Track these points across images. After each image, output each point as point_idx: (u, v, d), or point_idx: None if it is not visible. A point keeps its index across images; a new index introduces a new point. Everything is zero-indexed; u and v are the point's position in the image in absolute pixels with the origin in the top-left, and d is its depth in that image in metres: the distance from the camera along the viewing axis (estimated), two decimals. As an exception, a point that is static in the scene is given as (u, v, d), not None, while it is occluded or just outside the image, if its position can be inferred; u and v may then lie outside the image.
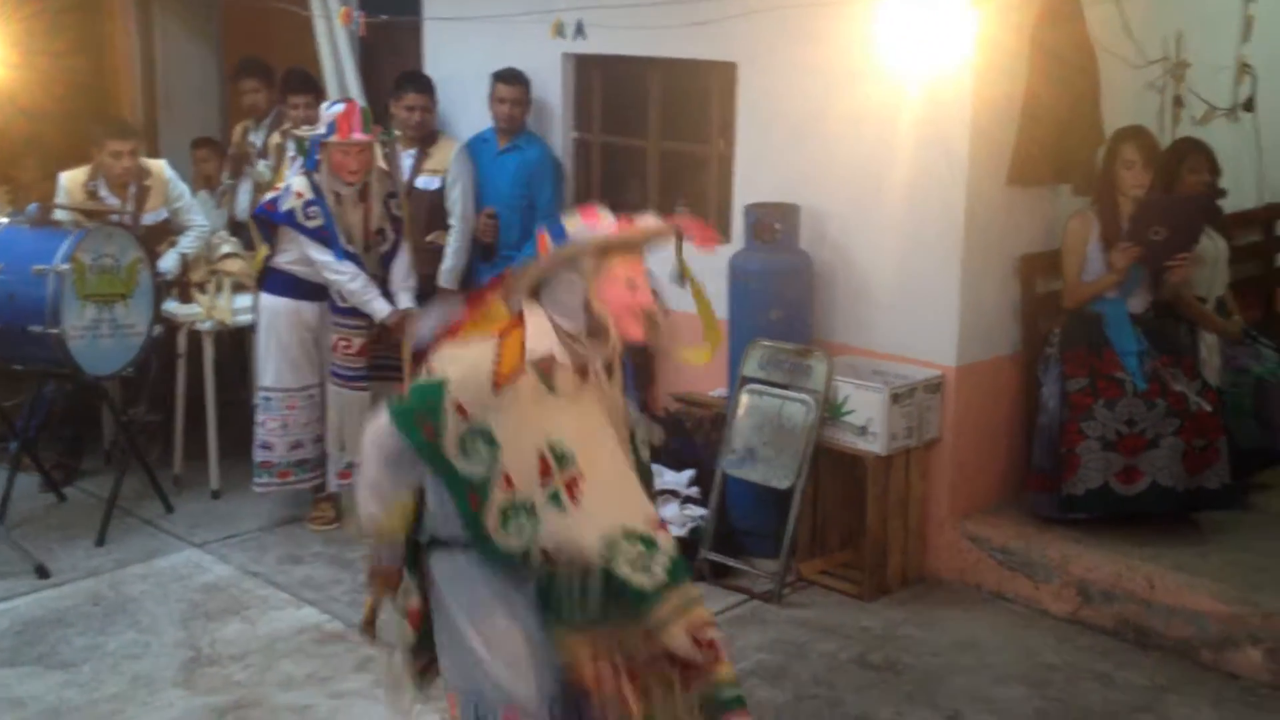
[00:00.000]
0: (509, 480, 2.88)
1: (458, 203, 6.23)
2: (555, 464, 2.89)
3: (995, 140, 5.13)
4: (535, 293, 2.96)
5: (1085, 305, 5.24)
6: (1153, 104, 5.96)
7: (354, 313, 5.54)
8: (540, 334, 2.92)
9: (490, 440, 2.87)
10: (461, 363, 2.91)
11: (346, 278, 5.47)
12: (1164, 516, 5.14)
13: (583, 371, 2.95)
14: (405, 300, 5.63)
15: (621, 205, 6.44)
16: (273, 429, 5.68)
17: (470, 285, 6.44)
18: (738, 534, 5.46)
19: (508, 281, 2.99)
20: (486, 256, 6.38)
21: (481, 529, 2.89)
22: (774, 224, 5.37)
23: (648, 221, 2.99)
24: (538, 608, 2.92)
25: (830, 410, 5.18)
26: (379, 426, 2.96)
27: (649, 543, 2.94)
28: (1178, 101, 6.10)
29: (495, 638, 2.97)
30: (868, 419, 5.09)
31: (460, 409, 2.86)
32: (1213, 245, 5.67)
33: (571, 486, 2.90)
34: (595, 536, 2.88)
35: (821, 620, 5.00)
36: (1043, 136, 5.22)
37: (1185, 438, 5.05)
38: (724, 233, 5.84)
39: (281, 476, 5.73)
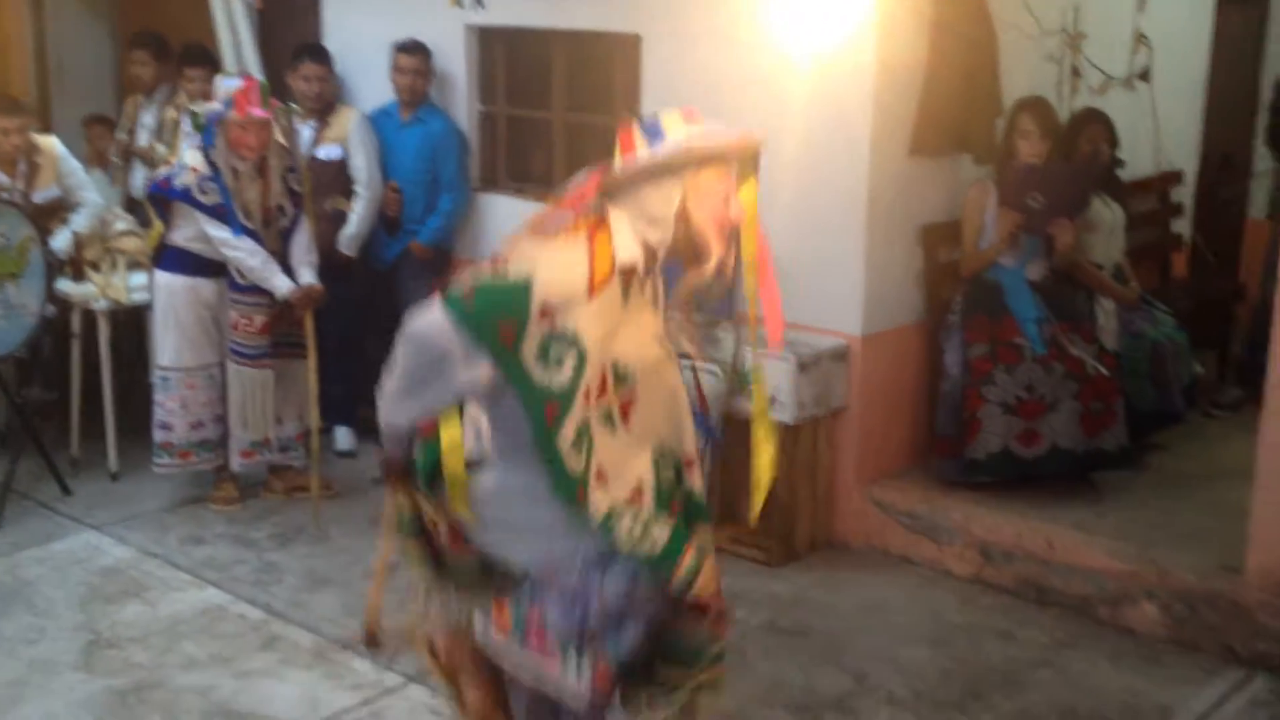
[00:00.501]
0: (588, 394, 2.69)
1: (363, 170, 6.17)
2: (614, 382, 2.75)
3: (896, 111, 5.18)
4: (616, 196, 2.76)
5: (983, 273, 5.33)
6: (1051, 75, 6.05)
7: (254, 290, 5.45)
8: (626, 240, 2.73)
9: (578, 348, 2.66)
10: (550, 263, 2.68)
11: (245, 254, 5.38)
12: (1063, 478, 5.25)
13: (641, 284, 2.80)
14: (307, 276, 5.55)
15: (527, 178, 6.49)
16: (172, 409, 5.57)
17: (374, 259, 6.38)
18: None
19: (601, 179, 2.76)
20: (390, 230, 6.32)
21: (554, 446, 2.67)
22: (679, 195, 5.37)
23: (740, 134, 2.82)
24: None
25: (739, 380, 5.21)
26: (433, 324, 2.66)
27: (679, 470, 2.93)
28: (1075, 72, 6.20)
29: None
30: (775, 389, 5.13)
31: (546, 312, 2.63)
32: (1110, 213, 5.78)
33: (626, 408, 2.77)
34: (642, 460, 2.79)
35: (731, 587, 4.97)
36: (943, 107, 5.27)
37: (1083, 401, 5.15)
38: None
39: (183, 457, 5.62)
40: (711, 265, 2.75)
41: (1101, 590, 4.74)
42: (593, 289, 2.67)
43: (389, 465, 2.99)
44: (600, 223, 2.73)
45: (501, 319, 2.63)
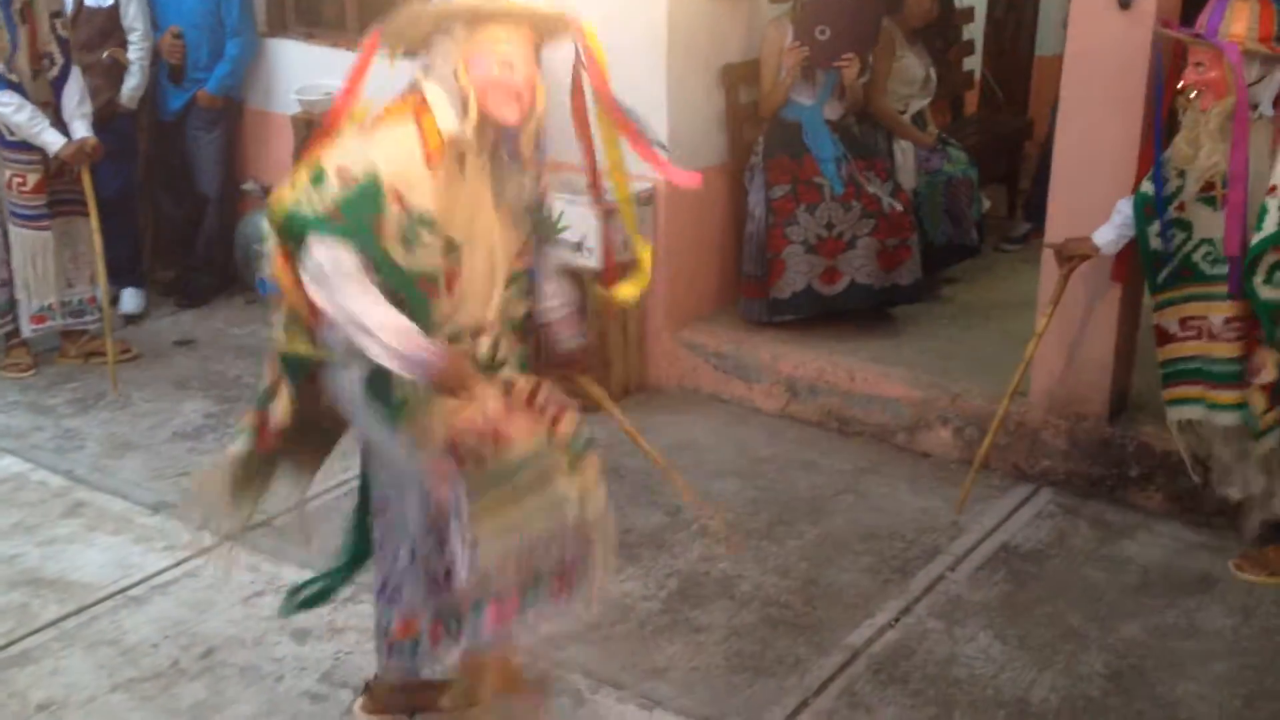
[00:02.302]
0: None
1: (137, 19, 5.84)
2: (445, 243, 2.77)
3: (695, -52, 5.14)
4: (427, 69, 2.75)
5: (783, 114, 5.39)
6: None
7: (25, 146, 5.18)
8: (445, 112, 2.73)
9: (432, 224, 2.71)
10: (385, 149, 2.69)
11: (11, 109, 5.09)
12: (863, 313, 5.44)
13: (494, 152, 2.81)
14: (81, 129, 5.26)
15: (317, 22, 6.24)
16: None
17: (158, 110, 6.10)
18: None
19: (377, 34, 2.76)
20: (175, 78, 6.03)
21: (429, 316, 2.76)
22: (479, 38, 5.25)
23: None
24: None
25: (546, 229, 5.18)
26: (325, 255, 2.65)
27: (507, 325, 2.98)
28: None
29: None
30: (582, 235, 5.13)
31: (396, 198, 2.67)
32: (921, 68, 5.91)
33: (451, 278, 2.80)
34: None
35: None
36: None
37: (879, 237, 5.31)
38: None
39: None
40: (470, 122, 2.73)
41: (899, 417, 4.96)
42: (430, 162, 2.71)
43: (440, 374, 2.81)
44: (420, 100, 2.74)
45: (370, 216, 2.66)
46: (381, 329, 2.69)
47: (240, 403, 5.08)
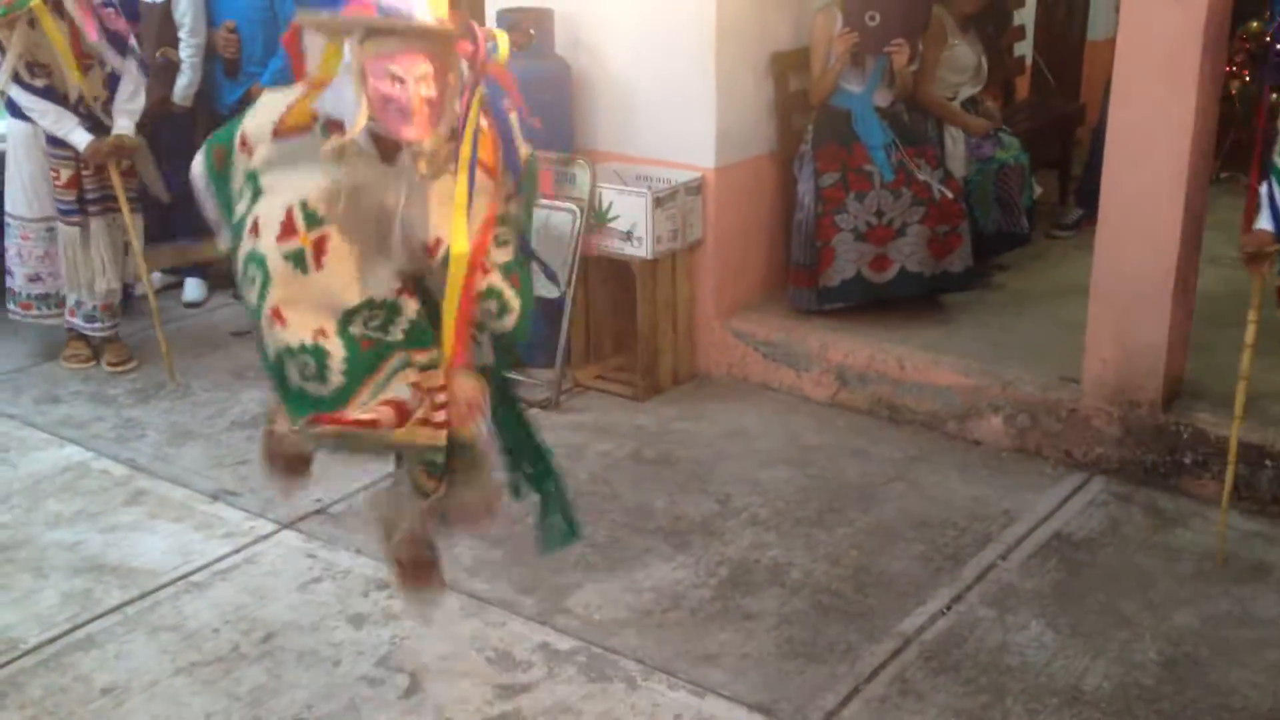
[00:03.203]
0: (255, 228, 2.83)
1: (186, 14, 5.90)
2: (303, 223, 2.80)
3: (744, -63, 5.14)
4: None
5: (833, 101, 5.39)
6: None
7: (60, 142, 5.25)
8: (343, 97, 2.78)
9: (255, 185, 2.85)
10: (265, 103, 2.92)
11: (37, 114, 5.19)
12: (913, 300, 5.43)
13: (385, 148, 2.79)
14: (122, 124, 5.28)
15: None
16: (11, 256, 5.45)
17: (214, 104, 6.18)
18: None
19: (297, 25, 2.91)
20: (230, 73, 6.09)
21: (238, 277, 2.91)
22: (529, 29, 5.29)
23: (430, 15, 2.72)
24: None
25: (596, 217, 5.23)
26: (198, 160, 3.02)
27: (392, 308, 2.90)
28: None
29: None
30: (633, 224, 5.16)
31: (245, 145, 2.88)
32: (974, 55, 5.89)
33: (319, 245, 2.81)
34: (328, 307, 2.84)
35: (598, 423, 5.13)
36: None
37: (930, 225, 5.30)
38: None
39: (24, 308, 5.51)
40: (357, 126, 2.73)
41: (950, 405, 4.95)
42: (277, 131, 2.85)
43: None
44: (322, 80, 2.86)
45: (219, 145, 2.95)
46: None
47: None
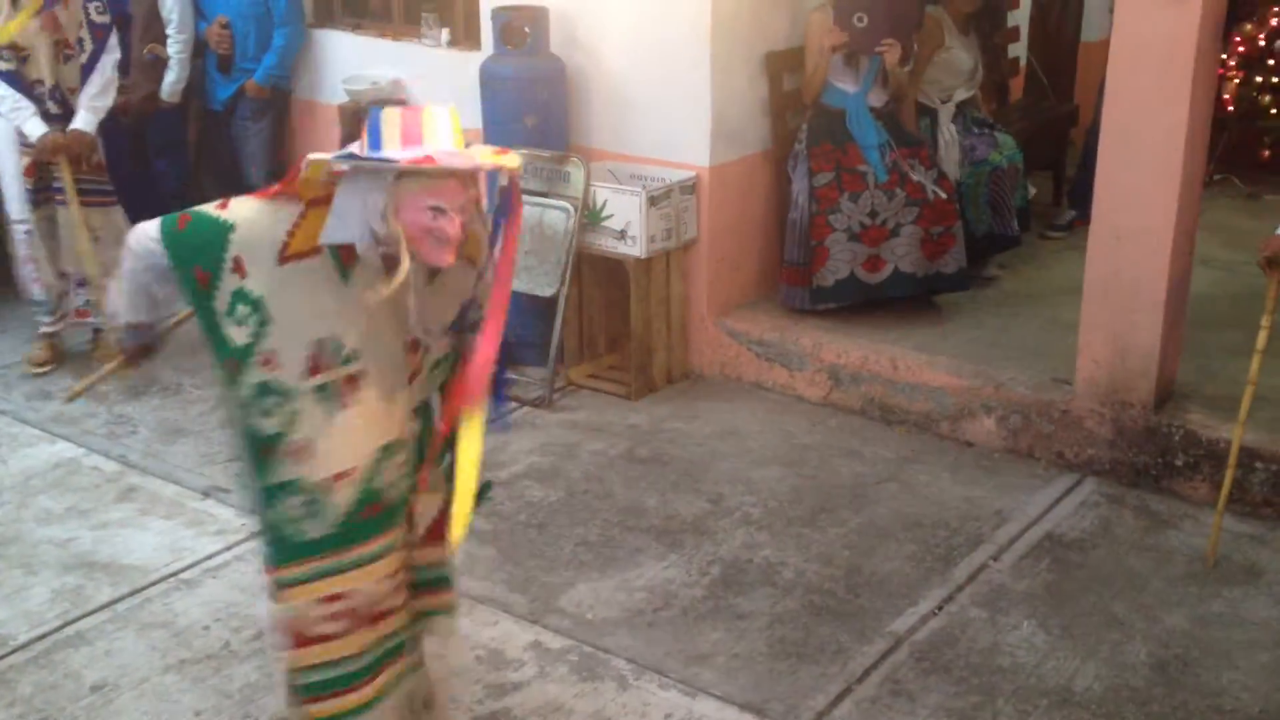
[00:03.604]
0: (269, 360, 2.64)
1: (174, 11, 5.88)
2: (336, 360, 2.66)
3: (739, -63, 5.14)
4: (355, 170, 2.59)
5: (826, 100, 5.39)
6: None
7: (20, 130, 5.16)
8: (348, 218, 2.59)
9: (261, 312, 2.62)
10: (257, 218, 2.64)
11: None
12: (906, 301, 5.44)
13: (391, 266, 2.62)
14: (82, 120, 5.19)
15: (364, 13, 6.29)
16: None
17: (206, 99, 6.17)
18: (505, 344, 5.46)
19: (302, 169, 2.61)
20: (223, 69, 6.09)
21: (233, 399, 2.68)
22: (523, 27, 5.29)
23: (471, 155, 2.57)
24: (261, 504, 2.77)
25: (589, 216, 5.22)
26: (146, 235, 2.70)
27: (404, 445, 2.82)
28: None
29: None
30: (626, 223, 5.15)
31: (239, 265, 2.61)
32: (969, 59, 5.89)
33: (350, 383, 2.68)
34: (353, 453, 2.72)
35: (591, 421, 5.13)
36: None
37: (923, 225, 5.31)
38: (472, 38, 5.74)
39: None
40: (400, 273, 2.60)
41: (942, 406, 4.96)
42: (284, 256, 2.63)
43: (128, 353, 3.05)
44: (325, 198, 2.63)
45: (197, 257, 2.64)
46: (114, 295, 2.91)
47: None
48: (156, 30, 5.89)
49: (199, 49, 6.05)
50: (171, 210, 2.78)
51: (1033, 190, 6.33)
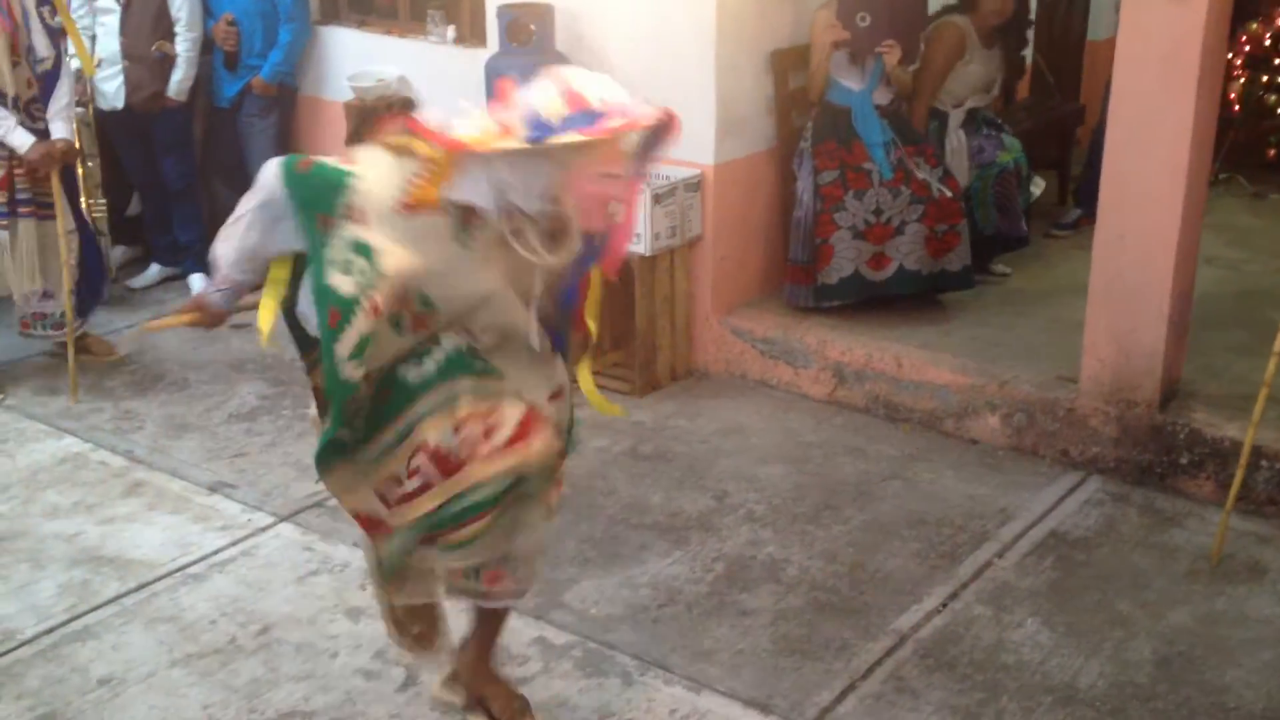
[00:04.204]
0: (377, 308, 2.66)
1: (183, 9, 5.89)
2: (418, 306, 2.71)
3: (746, -65, 5.14)
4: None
5: (831, 98, 5.39)
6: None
7: None
8: (473, 185, 2.62)
9: (372, 260, 2.64)
10: (380, 167, 2.68)
11: None
12: (911, 299, 5.44)
13: (510, 235, 2.66)
14: (59, 129, 5.12)
15: (370, 10, 6.30)
16: None
17: (213, 96, 6.18)
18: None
19: (460, 141, 2.60)
20: (230, 66, 6.10)
21: (331, 349, 2.70)
22: (529, 24, 5.29)
23: (639, 112, 2.60)
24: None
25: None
26: (270, 173, 2.75)
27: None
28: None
29: None
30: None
31: (355, 215, 2.65)
32: (986, 71, 5.87)
33: (418, 322, 2.73)
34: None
35: (595, 418, 5.07)
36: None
37: (928, 223, 5.31)
38: (478, 36, 5.74)
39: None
40: (572, 244, 2.68)
41: (946, 404, 4.96)
42: (405, 208, 2.66)
43: (208, 312, 2.99)
44: (450, 162, 2.65)
45: (319, 205, 2.68)
46: (221, 232, 2.89)
47: (295, 385, 5.17)
48: (164, 28, 5.88)
49: (206, 46, 6.05)
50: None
51: (1041, 187, 6.31)
